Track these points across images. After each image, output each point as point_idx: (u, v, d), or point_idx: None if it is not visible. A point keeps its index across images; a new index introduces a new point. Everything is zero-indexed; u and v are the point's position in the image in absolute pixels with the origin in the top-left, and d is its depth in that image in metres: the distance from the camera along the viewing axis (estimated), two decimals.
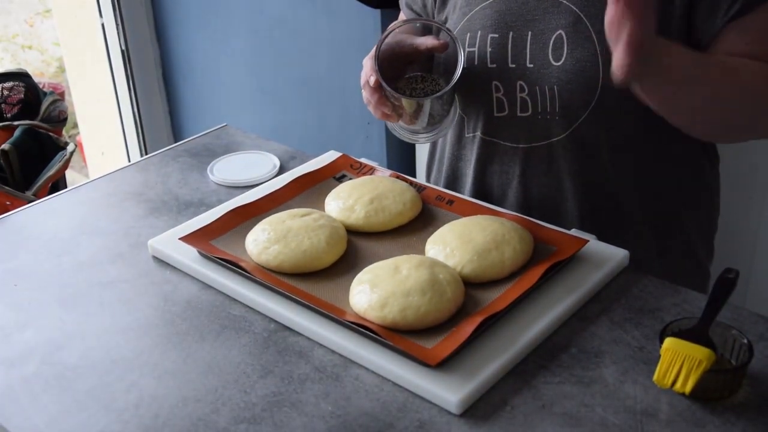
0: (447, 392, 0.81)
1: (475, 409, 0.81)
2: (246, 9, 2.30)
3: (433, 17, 1.24)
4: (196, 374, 0.88)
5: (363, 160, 1.25)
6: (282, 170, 1.29)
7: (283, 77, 2.31)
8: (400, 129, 1.18)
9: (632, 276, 1.00)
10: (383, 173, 1.20)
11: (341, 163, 1.24)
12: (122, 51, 2.59)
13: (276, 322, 0.95)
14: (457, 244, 0.99)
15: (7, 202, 2.11)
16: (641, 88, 0.93)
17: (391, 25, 1.13)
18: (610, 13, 0.82)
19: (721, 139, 1.18)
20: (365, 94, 1.12)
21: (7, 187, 2.15)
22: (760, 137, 1.16)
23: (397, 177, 1.18)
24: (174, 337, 0.93)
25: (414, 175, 1.95)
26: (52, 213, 1.22)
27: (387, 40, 1.11)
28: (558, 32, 1.07)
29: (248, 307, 0.98)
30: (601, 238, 1.06)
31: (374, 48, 1.09)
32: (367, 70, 1.10)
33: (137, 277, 1.05)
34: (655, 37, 0.86)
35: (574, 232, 1.05)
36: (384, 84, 1.07)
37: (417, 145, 2.06)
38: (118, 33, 2.56)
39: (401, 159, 2.11)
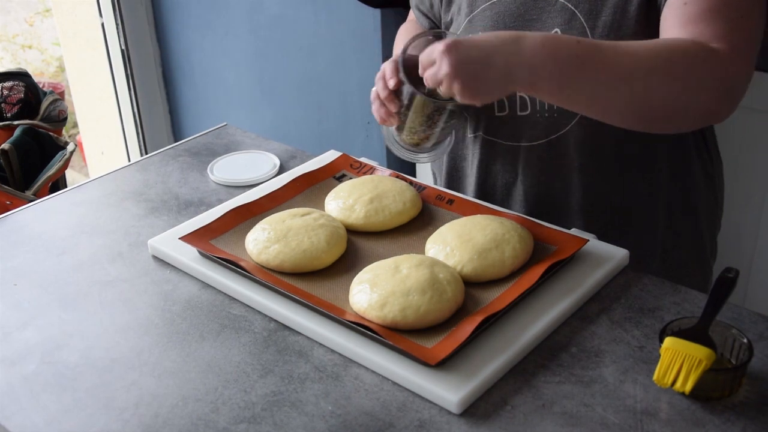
0: (447, 392, 0.81)
1: (475, 408, 0.81)
2: (246, 8, 2.30)
3: (440, 18, 1.24)
4: (196, 373, 0.88)
5: (363, 159, 1.25)
6: (282, 170, 1.29)
7: (283, 77, 2.31)
8: (401, 145, 1.13)
9: (632, 275, 1.00)
10: (383, 173, 1.20)
11: (341, 162, 1.24)
12: (122, 51, 2.59)
13: (276, 321, 0.95)
14: (457, 243, 0.99)
15: (7, 202, 2.11)
16: (548, 92, 0.94)
17: (407, 41, 1.08)
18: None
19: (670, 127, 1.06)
20: (377, 87, 1.06)
21: (7, 187, 2.15)
22: (708, 119, 1.03)
23: (397, 176, 1.18)
24: (174, 337, 0.93)
25: (414, 175, 1.95)
26: (52, 212, 1.22)
27: (409, 51, 1.05)
28: (554, 30, 1.07)
29: (248, 306, 0.98)
30: (605, 234, 1.05)
31: (398, 54, 1.05)
32: (388, 71, 1.05)
33: (137, 277, 1.05)
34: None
35: (574, 231, 1.05)
36: (402, 74, 1.01)
37: None
38: (118, 33, 2.56)
39: (401, 159, 2.11)
